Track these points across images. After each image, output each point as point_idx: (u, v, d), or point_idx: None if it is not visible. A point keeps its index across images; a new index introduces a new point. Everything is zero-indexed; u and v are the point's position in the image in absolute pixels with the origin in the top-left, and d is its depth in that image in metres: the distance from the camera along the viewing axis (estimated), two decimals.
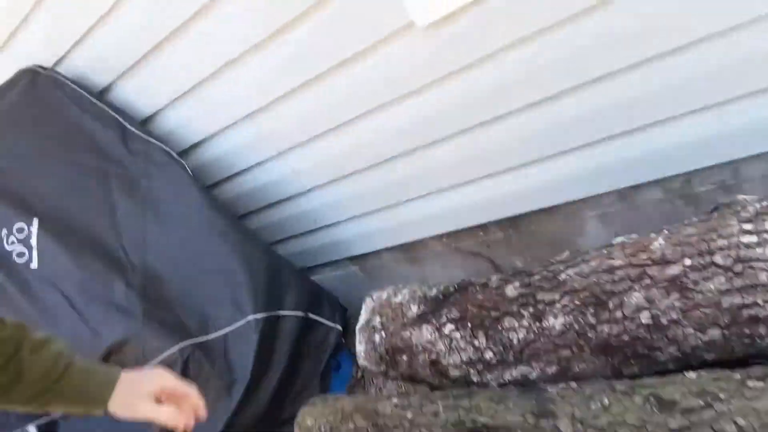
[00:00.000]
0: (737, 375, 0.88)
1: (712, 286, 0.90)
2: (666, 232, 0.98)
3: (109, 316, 1.54)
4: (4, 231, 1.57)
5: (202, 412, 1.09)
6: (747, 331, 0.90)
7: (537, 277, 1.06)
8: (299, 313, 1.75)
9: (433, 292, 1.19)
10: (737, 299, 0.89)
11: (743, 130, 1.29)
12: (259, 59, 1.57)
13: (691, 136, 1.34)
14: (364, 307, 1.33)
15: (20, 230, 1.57)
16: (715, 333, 0.92)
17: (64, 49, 1.77)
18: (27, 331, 0.97)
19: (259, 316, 1.62)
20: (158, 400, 1.04)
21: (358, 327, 1.31)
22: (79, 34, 1.71)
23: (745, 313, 0.88)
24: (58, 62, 1.80)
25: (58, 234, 1.58)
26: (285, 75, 1.58)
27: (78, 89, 1.75)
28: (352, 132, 1.65)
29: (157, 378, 1.06)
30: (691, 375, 0.91)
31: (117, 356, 1.52)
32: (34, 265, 1.55)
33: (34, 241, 1.56)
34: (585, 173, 1.50)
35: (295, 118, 1.68)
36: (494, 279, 1.12)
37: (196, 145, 1.89)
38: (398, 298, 1.24)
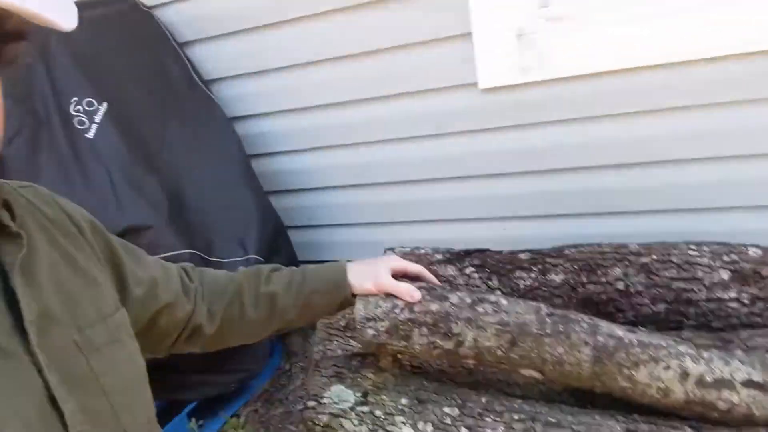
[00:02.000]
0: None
1: (667, 274, 1.35)
2: None
3: (139, 201, 1.68)
4: (75, 98, 1.72)
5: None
6: (682, 309, 1.33)
7: (545, 251, 1.45)
8: None
9: (455, 249, 1.53)
10: (682, 285, 1.33)
11: None
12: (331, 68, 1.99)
13: None
14: None
15: (90, 104, 1.73)
16: (661, 307, 1.35)
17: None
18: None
19: (259, 258, 1.82)
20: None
21: None
22: None
23: (684, 295, 1.33)
24: (155, 6, 2.09)
25: (120, 122, 1.76)
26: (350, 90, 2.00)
27: (166, 31, 2.03)
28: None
29: (390, 258, 1.16)
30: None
31: (132, 236, 1.63)
32: (91, 135, 1.70)
33: (98, 118, 1.73)
34: None
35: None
36: (507, 250, 1.50)
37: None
38: (422, 251, 1.55)
